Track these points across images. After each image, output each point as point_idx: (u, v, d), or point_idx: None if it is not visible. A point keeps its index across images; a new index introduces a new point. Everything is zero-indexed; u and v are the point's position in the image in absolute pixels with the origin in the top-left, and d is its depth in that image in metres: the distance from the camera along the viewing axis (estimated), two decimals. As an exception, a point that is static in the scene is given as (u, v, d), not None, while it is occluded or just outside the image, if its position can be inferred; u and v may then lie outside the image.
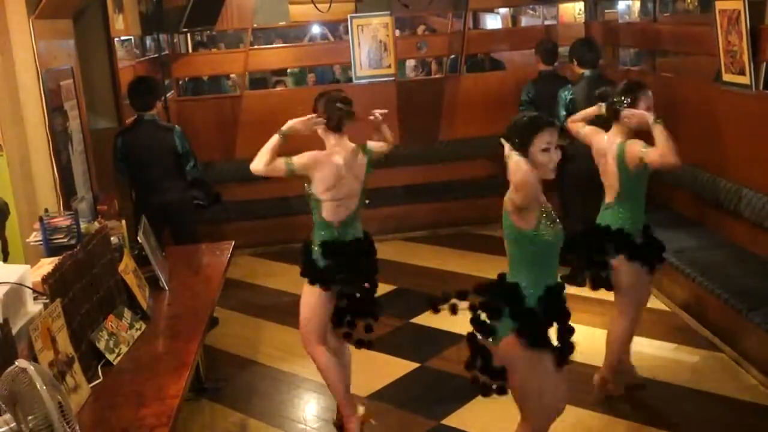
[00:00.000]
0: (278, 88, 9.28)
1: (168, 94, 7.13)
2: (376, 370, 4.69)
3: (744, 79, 4.82)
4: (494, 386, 3.07)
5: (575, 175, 5.14)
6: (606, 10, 8.35)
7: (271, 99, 8.04)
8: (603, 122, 4.09)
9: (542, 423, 3.15)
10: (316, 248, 3.86)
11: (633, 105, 3.90)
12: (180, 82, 8.15)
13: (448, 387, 4.49)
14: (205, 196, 6.89)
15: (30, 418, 1.98)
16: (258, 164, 3.73)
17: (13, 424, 1.98)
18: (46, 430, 1.98)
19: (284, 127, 3.75)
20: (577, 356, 4.46)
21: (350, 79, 7.64)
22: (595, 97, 4.18)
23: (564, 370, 3.08)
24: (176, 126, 5.46)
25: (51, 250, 3.60)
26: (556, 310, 3.01)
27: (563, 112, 5.79)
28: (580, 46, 6.02)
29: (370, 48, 7.20)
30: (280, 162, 3.74)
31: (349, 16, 7.23)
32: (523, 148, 2.84)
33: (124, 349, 3.09)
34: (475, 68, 8.71)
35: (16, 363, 2.04)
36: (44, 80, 4.20)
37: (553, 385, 3.07)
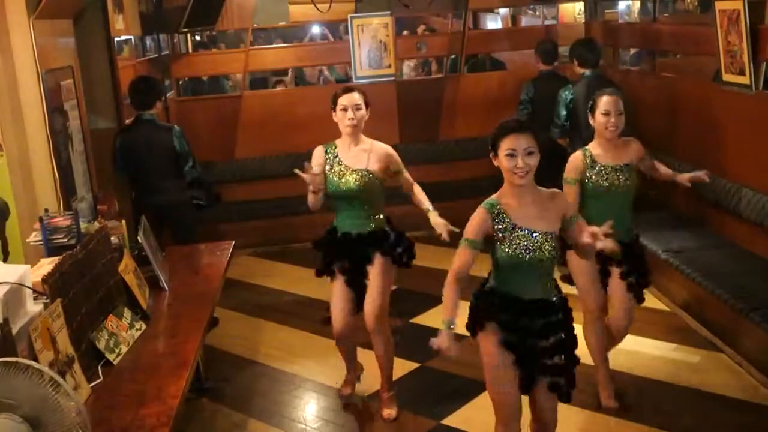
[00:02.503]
0: (278, 88, 9.28)
1: (168, 94, 7.14)
2: (377, 370, 4.69)
3: (744, 79, 4.82)
4: None
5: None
6: (606, 10, 8.34)
7: (271, 99, 8.04)
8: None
9: (498, 416, 3.18)
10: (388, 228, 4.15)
11: (592, 110, 3.98)
12: (180, 82, 8.15)
13: (448, 387, 4.49)
14: (205, 196, 6.89)
15: (27, 411, 1.99)
16: None
17: (17, 418, 1.99)
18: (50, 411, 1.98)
19: None
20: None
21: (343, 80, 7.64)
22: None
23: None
24: (175, 126, 5.45)
25: (51, 250, 3.60)
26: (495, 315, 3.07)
27: (564, 112, 5.79)
28: (580, 46, 6.02)
29: (370, 48, 7.20)
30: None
31: (349, 16, 7.23)
32: (494, 151, 2.97)
33: (124, 349, 3.09)
34: (476, 69, 8.71)
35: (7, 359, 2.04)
36: (44, 80, 4.19)
37: (500, 382, 3.13)
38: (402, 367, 4.72)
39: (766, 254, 4.86)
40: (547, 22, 9.77)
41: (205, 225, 6.23)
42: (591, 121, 4.00)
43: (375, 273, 4.06)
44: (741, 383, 4.30)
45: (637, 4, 10.19)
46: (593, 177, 3.93)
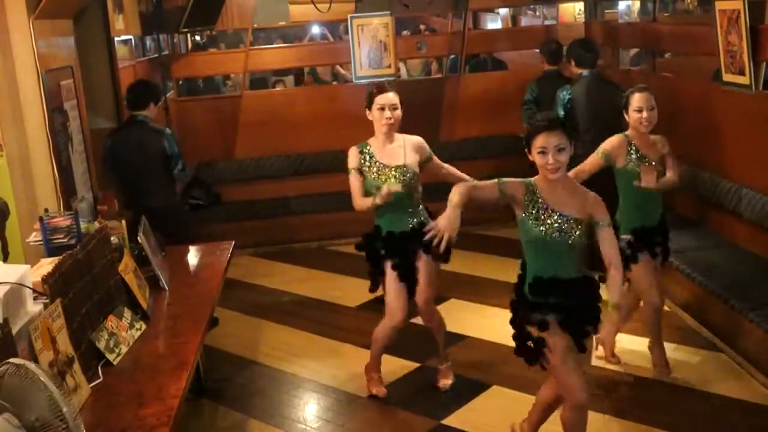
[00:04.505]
0: (278, 88, 9.28)
1: (168, 94, 7.14)
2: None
3: (744, 79, 4.82)
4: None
5: None
6: (606, 10, 8.34)
7: (271, 99, 8.05)
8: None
9: (572, 397, 3.31)
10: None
11: (625, 107, 4.19)
12: (180, 82, 8.16)
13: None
14: (205, 196, 6.88)
15: (27, 416, 1.99)
16: None
17: (15, 421, 1.98)
18: (50, 419, 1.98)
19: None
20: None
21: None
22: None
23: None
24: (167, 129, 5.38)
25: (51, 250, 3.60)
26: (543, 298, 3.23)
27: (561, 112, 5.79)
28: (577, 46, 6.02)
29: (370, 48, 7.19)
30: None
31: (349, 16, 7.22)
32: (528, 148, 3.17)
33: (124, 349, 3.09)
34: (478, 68, 8.70)
35: (10, 361, 2.04)
36: (44, 80, 4.20)
37: (566, 364, 3.25)
38: (402, 367, 4.72)
39: (766, 254, 4.85)
40: (547, 22, 9.78)
41: (205, 225, 6.23)
42: (626, 117, 4.19)
43: (423, 265, 4.18)
44: (741, 383, 4.30)
45: (637, 4, 10.20)
46: (632, 164, 4.16)
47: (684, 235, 5.39)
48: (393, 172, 4.05)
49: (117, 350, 3.04)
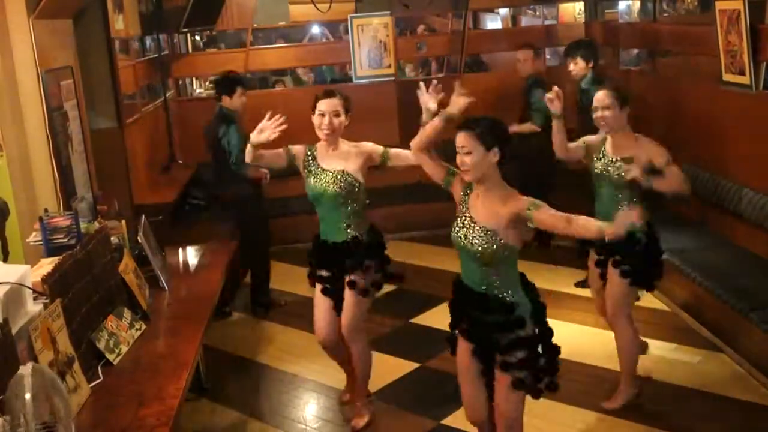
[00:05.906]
0: (278, 88, 9.28)
1: (168, 94, 7.14)
2: (376, 370, 4.68)
3: (744, 79, 4.82)
4: None
5: (527, 174, 5.11)
6: (606, 10, 8.34)
7: (271, 99, 8.03)
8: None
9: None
10: (365, 238, 3.87)
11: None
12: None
13: (448, 387, 4.47)
14: (205, 196, 6.88)
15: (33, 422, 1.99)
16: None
17: (8, 427, 1.98)
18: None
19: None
20: (579, 357, 4.51)
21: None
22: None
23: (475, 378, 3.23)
24: (232, 120, 5.44)
25: (51, 250, 3.60)
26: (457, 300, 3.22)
27: None
28: (574, 47, 6.03)
29: (370, 48, 7.19)
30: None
31: (349, 16, 7.23)
32: None
33: (124, 349, 3.09)
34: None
35: (21, 369, 2.04)
36: (44, 80, 4.20)
37: (460, 371, 3.27)
38: (402, 367, 4.72)
39: (766, 254, 4.85)
40: (547, 22, 9.76)
41: (204, 225, 6.21)
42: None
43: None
44: (741, 383, 4.30)
45: (637, 4, 10.19)
46: (596, 163, 4.00)
47: (684, 235, 5.40)
48: (329, 176, 3.77)
49: (117, 350, 3.04)
